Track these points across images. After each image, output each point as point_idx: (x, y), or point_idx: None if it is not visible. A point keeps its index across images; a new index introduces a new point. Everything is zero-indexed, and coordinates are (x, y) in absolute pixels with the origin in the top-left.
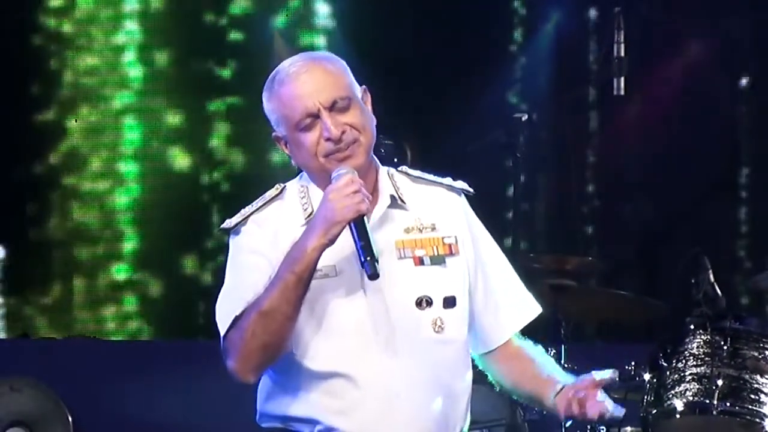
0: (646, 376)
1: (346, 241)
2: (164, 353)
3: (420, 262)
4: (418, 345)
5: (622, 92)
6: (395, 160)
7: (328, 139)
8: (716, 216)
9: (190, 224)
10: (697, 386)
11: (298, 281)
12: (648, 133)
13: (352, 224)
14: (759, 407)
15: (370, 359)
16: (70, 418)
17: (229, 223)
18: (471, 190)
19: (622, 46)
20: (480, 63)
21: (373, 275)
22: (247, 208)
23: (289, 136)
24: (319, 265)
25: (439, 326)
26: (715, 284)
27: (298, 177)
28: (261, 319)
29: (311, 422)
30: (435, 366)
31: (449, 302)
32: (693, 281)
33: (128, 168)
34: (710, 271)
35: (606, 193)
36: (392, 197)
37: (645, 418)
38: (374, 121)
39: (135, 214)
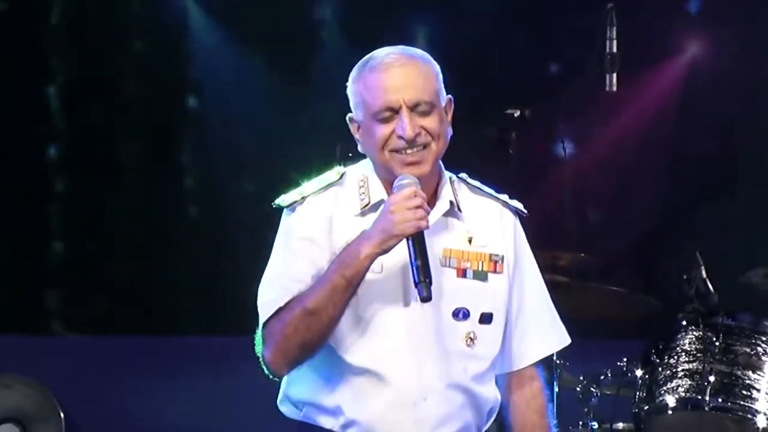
0: (638, 372)
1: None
2: (159, 349)
3: (463, 274)
4: (449, 355)
5: (615, 88)
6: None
7: (400, 137)
8: (709, 212)
9: None
10: (689, 382)
11: (347, 286)
12: (643, 131)
13: (410, 240)
14: (751, 403)
15: (400, 361)
16: (62, 415)
17: (284, 200)
18: (525, 212)
19: (615, 42)
20: (473, 56)
21: (426, 298)
22: (305, 187)
23: (364, 122)
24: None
25: (471, 340)
26: (708, 280)
27: (359, 163)
28: (305, 317)
29: (334, 413)
30: (462, 377)
31: (486, 318)
32: (685, 277)
33: None
34: (703, 268)
35: (600, 190)
36: (451, 203)
37: (637, 414)
38: (450, 133)
39: None
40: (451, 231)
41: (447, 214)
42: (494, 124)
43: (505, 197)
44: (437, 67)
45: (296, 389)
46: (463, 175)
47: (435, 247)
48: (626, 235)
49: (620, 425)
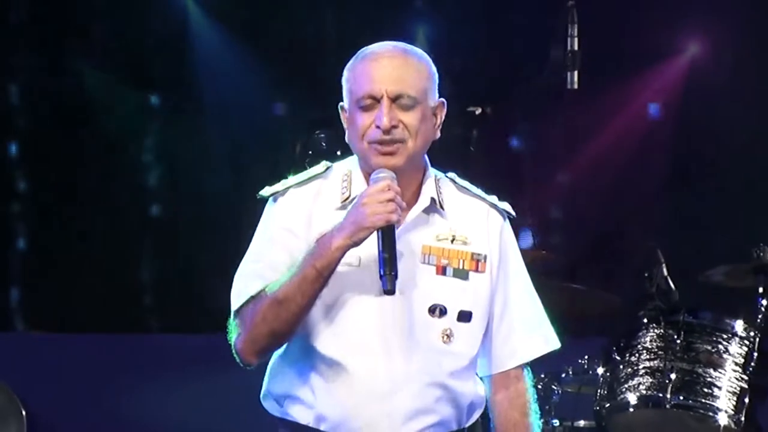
0: (600, 370)
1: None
2: (122, 347)
3: (442, 271)
4: (422, 350)
5: (576, 86)
6: (338, 152)
7: (377, 127)
8: (670, 210)
9: None
10: (651, 380)
11: (317, 276)
12: (603, 128)
13: (379, 232)
14: (712, 401)
15: (370, 354)
16: (24, 413)
17: (267, 190)
18: (513, 213)
19: (576, 39)
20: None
21: (389, 291)
22: (290, 179)
23: (348, 110)
24: (348, 253)
25: (448, 337)
26: (669, 278)
27: (347, 159)
28: (274, 306)
29: (309, 406)
30: (437, 372)
31: (464, 316)
32: (646, 275)
33: None
34: (664, 265)
35: (561, 188)
36: (432, 200)
37: (598, 412)
38: (434, 135)
39: None
40: (433, 228)
41: (429, 211)
42: (456, 122)
43: (493, 198)
44: (432, 68)
45: (274, 384)
46: (452, 174)
47: (414, 244)
48: (587, 233)
49: (582, 423)
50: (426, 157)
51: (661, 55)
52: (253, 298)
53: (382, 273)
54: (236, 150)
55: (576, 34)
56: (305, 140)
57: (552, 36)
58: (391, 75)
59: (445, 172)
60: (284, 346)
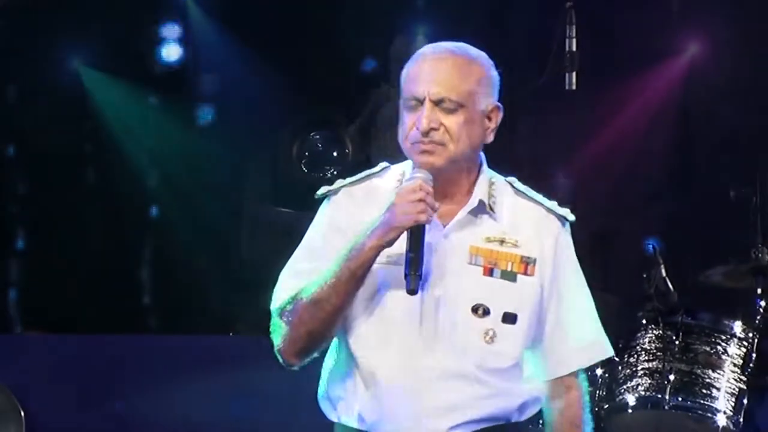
0: (598, 371)
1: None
2: (118, 347)
3: (489, 273)
4: (463, 349)
5: (574, 87)
6: (334, 153)
7: (417, 129)
8: (669, 210)
9: None
10: (649, 381)
11: (351, 276)
12: (601, 128)
13: (408, 232)
14: (711, 402)
15: (407, 352)
16: (22, 413)
17: (323, 190)
18: (572, 217)
19: (574, 40)
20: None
21: (412, 291)
22: (347, 179)
23: (400, 109)
24: (390, 252)
25: (491, 337)
26: (667, 279)
27: (406, 161)
28: (310, 307)
29: (350, 406)
30: (478, 370)
31: (509, 318)
32: (645, 276)
33: None
34: (662, 266)
35: (559, 187)
36: (480, 202)
37: (597, 413)
38: (483, 139)
39: None
40: (483, 229)
41: (478, 212)
42: None
43: (553, 204)
44: (488, 72)
45: (326, 384)
46: (511, 178)
47: (461, 244)
48: (585, 233)
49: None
50: (482, 158)
51: (661, 56)
52: (293, 298)
53: (406, 272)
54: (235, 150)
55: (574, 35)
56: (302, 141)
57: (551, 37)
58: (435, 77)
59: (506, 176)
60: (332, 346)
